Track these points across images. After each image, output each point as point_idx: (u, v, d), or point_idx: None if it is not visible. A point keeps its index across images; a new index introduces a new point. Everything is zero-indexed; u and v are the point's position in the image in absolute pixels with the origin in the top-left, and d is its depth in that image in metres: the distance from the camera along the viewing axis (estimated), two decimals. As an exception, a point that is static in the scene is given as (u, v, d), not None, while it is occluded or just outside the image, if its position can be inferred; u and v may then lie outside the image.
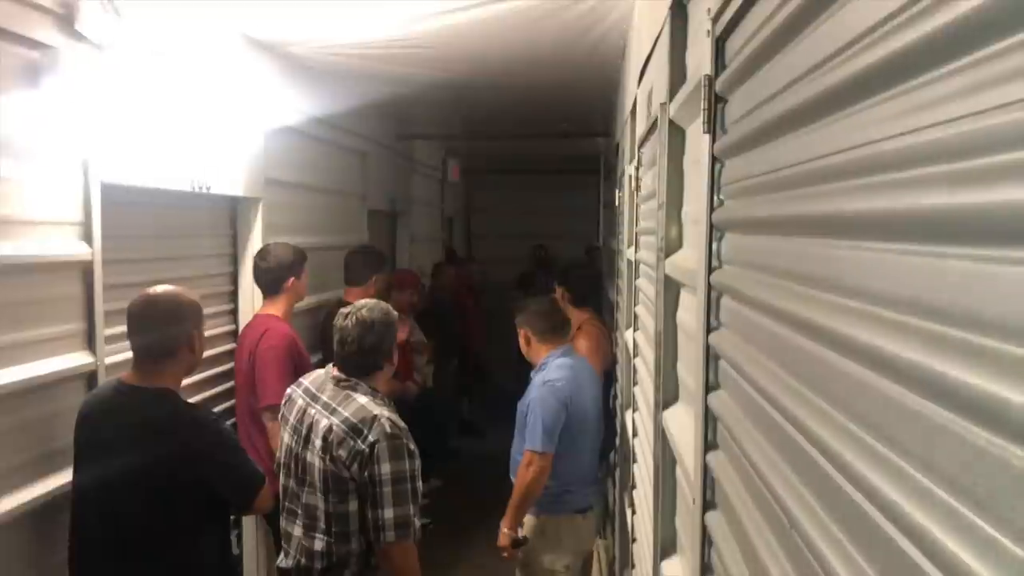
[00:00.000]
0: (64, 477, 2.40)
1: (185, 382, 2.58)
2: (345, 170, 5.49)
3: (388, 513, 2.43)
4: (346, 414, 2.50)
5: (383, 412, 2.50)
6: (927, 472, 0.63)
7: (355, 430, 2.46)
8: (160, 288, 2.47)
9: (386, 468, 2.43)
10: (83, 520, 2.34)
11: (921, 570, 0.61)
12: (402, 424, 2.52)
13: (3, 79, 2.18)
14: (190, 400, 2.61)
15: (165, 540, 2.32)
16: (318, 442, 2.50)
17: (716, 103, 1.46)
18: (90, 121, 2.52)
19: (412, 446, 2.51)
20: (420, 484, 2.52)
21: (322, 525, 2.51)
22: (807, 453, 0.88)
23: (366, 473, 2.43)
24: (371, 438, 2.43)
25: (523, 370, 4.19)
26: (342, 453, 2.45)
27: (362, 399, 2.54)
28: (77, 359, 2.50)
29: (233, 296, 3.96)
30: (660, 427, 2.05)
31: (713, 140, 1.46)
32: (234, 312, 3.95)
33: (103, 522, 2.30)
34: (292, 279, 3.62)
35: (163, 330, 2.39)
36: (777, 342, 1.04)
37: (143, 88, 2.86)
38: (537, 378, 3.48)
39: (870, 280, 0.76)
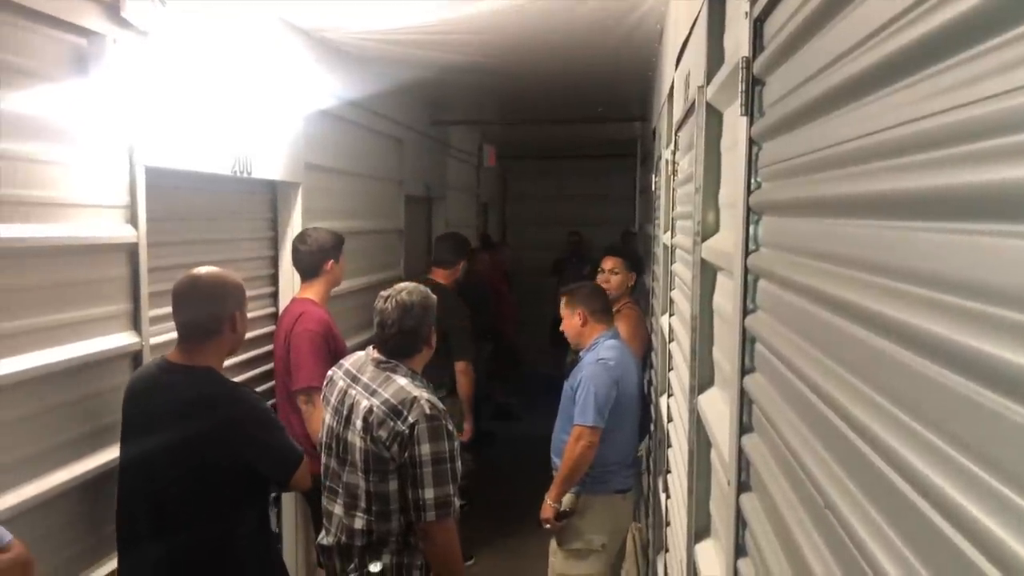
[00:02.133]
0: (111, 453, 2.47)
1: (227, 363, 2.64)
2: (382, 156, 5.53)
3: (429, 493, 2.47)
4: (386, 395, 2.54)
5: (422, 394, 2.53)
6: (966, 452, 0.63)
7: (395, 411, 2.49)
8: (204, 269, 2.52)
9: (426, 449, 2.47)
10: (127, 493, 2.41)
11: (958, 549, 0.61)
12: (441, 406, 2.55)
13: (52, 66, 2.24)
14: (232, 380, 2.66)
15: (204, 513, 2.37)
16: (359, 423, 2.54)
17: (754, 85, 1.45)
18: (135, 106, 2.57)
19: (451, 427, 2.54)
20: (459, 464, 2.56)
21: (363, 504, 2.55)
22: (842, 433, 0.88)
23: (406, 454, 2.47)
24: (411, 419, 2.47)
25: (559, 356, 4.22)
26: (382, 434, 2.49)
27: (402, 381, 2.58)
28: (123, 339, 2.56)
29: (273, 279, 4.02)
30: (695, 411, 2.05)
31: (751, 123, 1.45)
32: (274, 295, 4.01)
33: (145, 495, 2.37)
34: (331, 262, 3.66)
35: (206, 309, 2.44)
36: (814, 323, 1.04)
37: (186, 73, 2.91)
38: (588, 357, 3.52)
39: (911, 259, 0.76)
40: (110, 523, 2.46)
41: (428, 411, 2.49)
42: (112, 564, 2.45)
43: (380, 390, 2.57)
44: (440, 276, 4.80)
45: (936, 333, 0.68)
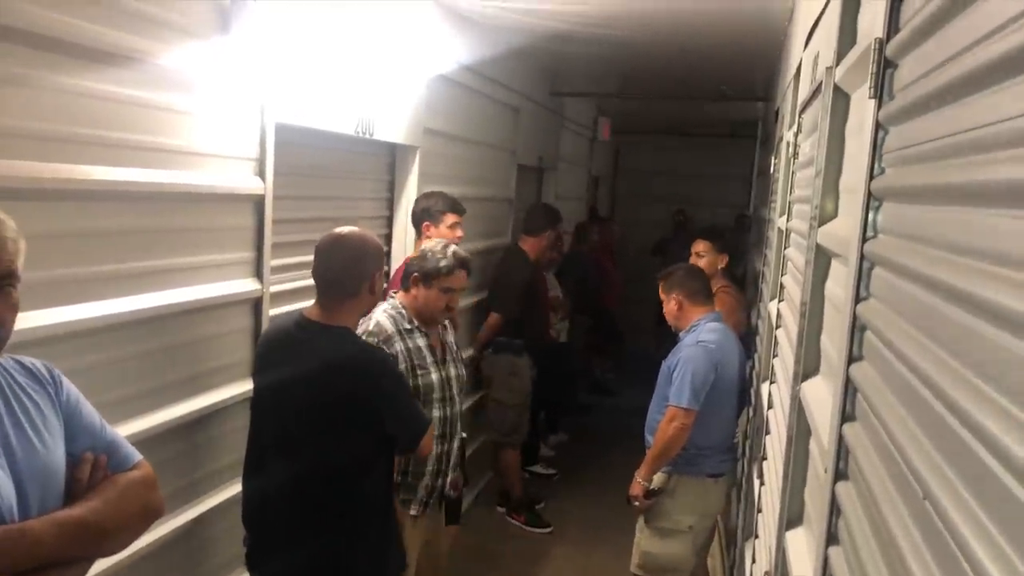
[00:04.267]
0: (223, 393, 2.60)
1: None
2: (498, 124, 5.58)
3: None
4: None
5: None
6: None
7: None
8: (347, 228, 2.55)
9: None
10: (258, 432, 2.48)
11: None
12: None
13: (199, 26, 2.37)
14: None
15: (333, 464, 2.40)
16: None
17: (885, 67, 1.41)
18: (269, 65, 2.69)
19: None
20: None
21: None
22: (950, 426, 0.87)
23: None
24: None
25: (663, 334, 4.22)
26: None
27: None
28: (246, 285, 2.70)
29: (387, 239, 4.15)
30: (797, 399, 2.02)
31: (879, 106, 1.41)
32: (387, 254, 4.14)
33: (275, 438, 2.44)
34: (426, 223, 3.77)
35: (348, 270, 2.47)
36: (931, 314, 1.01)
37: (317, 35, 3.02)
38: (688, 338, 3.49)
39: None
40: (210, 463, 2.60)
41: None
42: (205, 506, 2.57)
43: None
44: (525, 243, 5.33)
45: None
